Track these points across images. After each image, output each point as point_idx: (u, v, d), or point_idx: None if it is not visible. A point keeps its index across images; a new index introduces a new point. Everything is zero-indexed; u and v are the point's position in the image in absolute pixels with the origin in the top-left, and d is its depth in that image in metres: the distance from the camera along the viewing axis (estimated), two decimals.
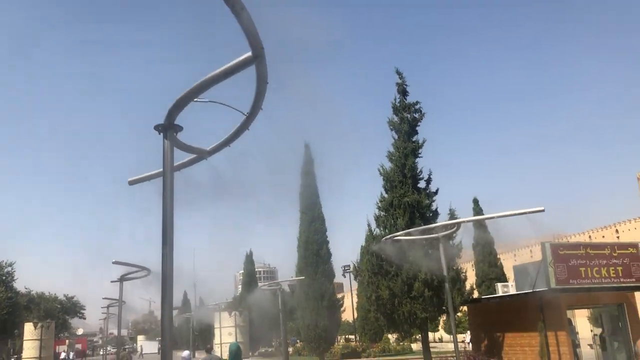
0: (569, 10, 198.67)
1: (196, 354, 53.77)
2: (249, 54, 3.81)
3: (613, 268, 22.60)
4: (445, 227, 11.66)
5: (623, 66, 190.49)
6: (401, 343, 48.36)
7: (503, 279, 34.48)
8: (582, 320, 36.51)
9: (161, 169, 5.51)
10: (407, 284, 24.41)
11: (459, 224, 9.17)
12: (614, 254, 22.90)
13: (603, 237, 66.57)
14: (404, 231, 14.48)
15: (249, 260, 54.30)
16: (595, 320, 45.37)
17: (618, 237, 64.72)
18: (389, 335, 54.66)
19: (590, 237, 69.95)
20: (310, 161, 34.34)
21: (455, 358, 26.51)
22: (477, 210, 37.23)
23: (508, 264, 45.04)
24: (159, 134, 4.21)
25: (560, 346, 22.39)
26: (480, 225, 37.45)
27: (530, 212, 8.07)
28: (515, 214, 8.31)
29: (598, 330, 27.54)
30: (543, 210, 7.93)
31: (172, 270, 3.98)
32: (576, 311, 31.34)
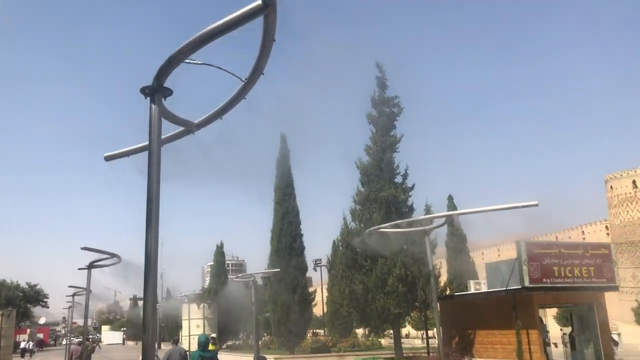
0: (554, 3, 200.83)
1: (162, 346, 52.88)
2: (259, 1, 3.34)
3: (585, 268, 22.75)
4: (428, 220, 11.34)
5: (608, 64, 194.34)
6: (370, 338, 48.31)
7: (475, 276, 34.61)
8: (548, 320, 36.98)
9: (142, 143, 5.01)
10: (381, 279, 24.19)
11: (450, 216, 8.84)
12: (587, 254, 23.05)
13: (569, 237, 67.72)
14: (389, 223, 14.11)
15: (219, 251, 53.48)
16: (561, 320, 46.11)
17: (584, 239, 65.97)
18: (357, 331, 54.60)
19: (557, 237, 71.16)
20: (286, 153, 33.82)
21: (427, 353, 26.54)
22: (452, 207, 37.30)
23: (477, 262, 45.43)
24: (146, 97, 3.72)
25: (531, 344, 22.44)
26: (451, 222, 37.51)
27: (524, 206, 7.77)
28: (509, 207, 7.99)
29: (566, 329, 27.84)
30: (537, 205, 7.63)
31: (156, 255, 3.51)
32: (544, 310, 31.66)
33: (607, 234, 64.12)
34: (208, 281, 70.97)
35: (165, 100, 3.81)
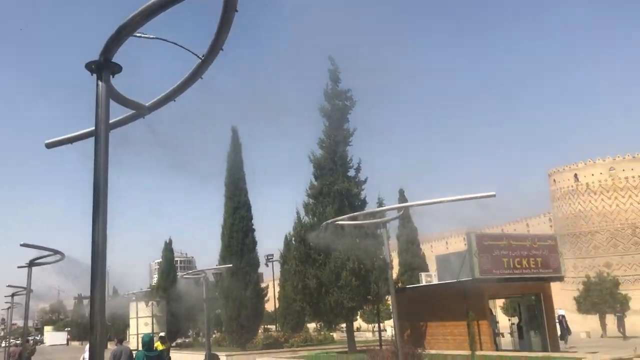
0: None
1: (108, 345, 51.35)
2: None
3: (533, 259, 23.35)
4: (383, 213, 11.25)
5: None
6: (322, 333, 48.39)
7: (425, 268, 35.11)
8: (497, 310, 37.92)
9: (88, 129, 4.61)
10: (335, 273, 24.11)
11: (406, 207, 8.73)
12: (534, 246, 23.67)
13: (515, 230, 69.80)
14: (345, 216, 13.94)
15: (168, 248, 52.32)
16: (509, 310, 47.46)
17: (529, 231, 68.13)
18: (309, 325, 54.62)
19: (502, 230, 73.24)
20: (237, 146, 33.25)
21: (379, 346, 26.63)
22: (403, 200, 37.65)
23: (427, 255, 46.14)
24: (92, 74, 3.35)
25: (482, 335, 22.89)
26: (404, 215, 37.94)
27: (481, 197, 7.72)
28: (466, 198, 7.94)
29: (514, 320, 28.62)
30: (494, 195, 7.60)
31: (105, 249, 3.17)
32: (494, 301, 32.39)
33: (551, 226, 66.39)
34: (156, 279, 69.38)
35: (113, 77, 3.46)
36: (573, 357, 15.67)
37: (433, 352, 20.91)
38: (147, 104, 4.23)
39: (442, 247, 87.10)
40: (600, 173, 59.79)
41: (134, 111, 4.27)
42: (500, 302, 42.87)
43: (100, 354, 2.95)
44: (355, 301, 23.98)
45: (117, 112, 4.44)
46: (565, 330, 30.03)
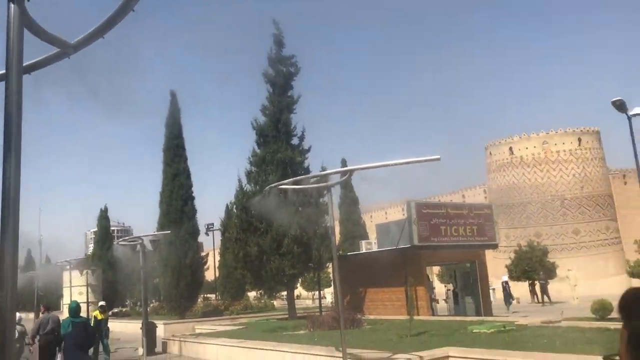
0: None
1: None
2: None
3: (469, 227, 24.01)
4: (326, 178, 11.09)
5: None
6: (263, 300, 48.54)
7: (366, 237, 35.56)
8: (434, 277, 39.02)
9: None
10: (276, 241, 24.00)
11: (351, 171, 8.59)
12: (471, 214, 24.32)
13: (451, 200, 71.78)
14: (290, 179, 13.67)
15: (104, 216, 50.71)
16: (444, 277, 48.92)
17: (464, 202, 70.25)
18: (249, 294, 54.63)
19: (439, 200, 75.14)
20: (176, 111, 32.15)
21: (319, 313, 26.91)
22: None
23: (367, 225, 46.80)
24: None
25: (419, 300, 23.47)
26: (346, 184, 38.18)
27: (426, 160, 7.66)
28: (411, 162, 7.86)
29: (450, 286, 29.50)
30: (439, 159, 7.55)
31: (17, 193, 2.80)
32: (431, 268, 33.21)
33: (485, 197, 68.72)
34: (92, 248, 67.33)
35: (29, 1, 3.03)
36: (505, 321, 16.26)
37: (372, 317, 21.26)
38: (72, 42, 3.80)
39: (381, 217, 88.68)
40: (534, 147, 62.05)
41: (58, 50, 3.83)
42: (435, 269, 44.21)
43: (11, 313, 2.61)
44: (297, 268, 24.01)
45: (38, 51, 3.99)
46: (509, 296, 31.05)
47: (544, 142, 61.80)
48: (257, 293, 78.83)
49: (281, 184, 11.65)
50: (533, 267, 42.14)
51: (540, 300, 37.72)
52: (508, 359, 8.92)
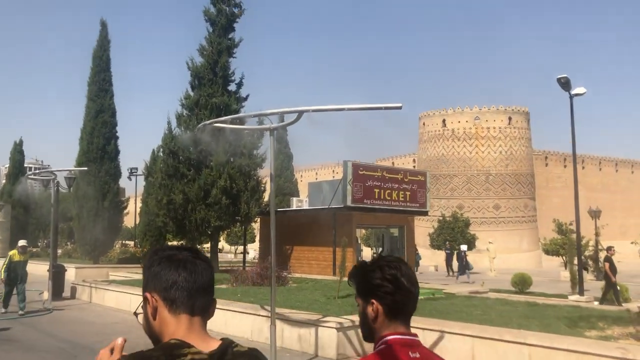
0: None
1: None
2: None
3: (402, 192, 23.79)
4: (266, 118, 10.10)
5: None
6: None
7: (296, 195, 34.89)
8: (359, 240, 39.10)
9: None
10: (204, 190, 22.79)
11: (300, 112, 7.66)
12: (406, 180, 24.08)
13: None
14: (230, 117, 12.47)
15: (18, 150, 47.19)
16: (368, 241, 49.34)
17: None
18: (169, 243, 53.00)
19: None
20: (105, 42, 29.66)
21: (242, 267, 26.15)
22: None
23: (298, 184, 46.20)
24: None
25: (346, 262, 23.15)
26: (281, 139, 37.17)
27: (387, 108, 6.86)
28: (371, 108, 7.04)
29: (377, 250, 29.59)
30: (401, 107, 6.77)
31: None
32: (360, 231, 33.10)
33: (414, 166, 69.75)
34: (3, 183, 62.98)
35: None
36: (433, 289, 16.12)
37: (297, 275, 20.73)
38: None
39: (312, 177, 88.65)
40: (467, 121, 63.19)
41: None
42: (360, 232, 44.46)
43: None
44: (223, 220, 22.97)
45: None
46: (465, 265, 30.07)
47: (476, 118, 63.02)
48: (177, 243, 77.16)
49: (218, 121, 10.53)
50: (455, 237, 43.17)
51: (452, 271, 38.09)
52: (445, 329, 8.47)
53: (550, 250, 36.35)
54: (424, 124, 66.91)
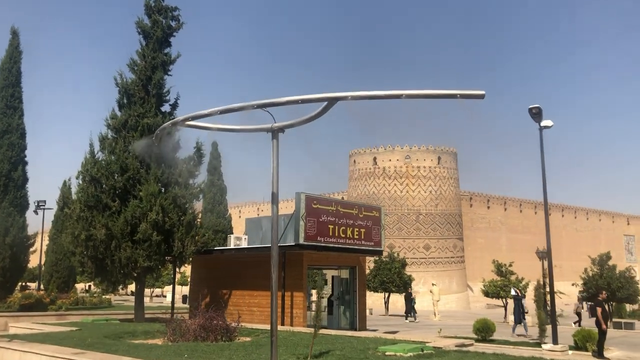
0: None
1: None
2: None
3: (357, 229, 21.61)
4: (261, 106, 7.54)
5: None
6: (95, 295, 42.30)
7: (231, 232, 31.84)
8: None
9: None
10: (130, 224, 19.50)
11: (331, 100, 5.26)
12: (361, 215, 21.95)
13: None
14: (219, 108, 9.45)
15: None
16: (312, 283, 46.36)
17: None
18: (77, 286, 47.58)
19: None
20: (16, 53, 25.84)
21: (171, 315, 22.71)
22: (215, 153, 33.91)
23: (235, 220, 43.07)
24: None
25: (294, 308, 20.45)
26: (214, 170, 34.21)
27: (469, 96, 4.61)
28: (450, 95, 4.76)
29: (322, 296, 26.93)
30: (483, 96, 4.57)
31: None
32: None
33: None
34: None
35: None
36: (419, 342, 13.79)
37: (248, 326, 17.77)
38: None
39: (253, 212, 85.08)
40: (397, 159, 62.80)
41: None
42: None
43: None
44: (153, 260, 19.68)
45: None
46: (523, 313, 26.20)
47: (406, 157, 62.79)
48: (85, 285, 70.10)
49: (198, 116, 7.76)
50: (392, 278, 41.40)
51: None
52: None
53: (491, 292, 35.23)
54: (354, 161, 65.92)
